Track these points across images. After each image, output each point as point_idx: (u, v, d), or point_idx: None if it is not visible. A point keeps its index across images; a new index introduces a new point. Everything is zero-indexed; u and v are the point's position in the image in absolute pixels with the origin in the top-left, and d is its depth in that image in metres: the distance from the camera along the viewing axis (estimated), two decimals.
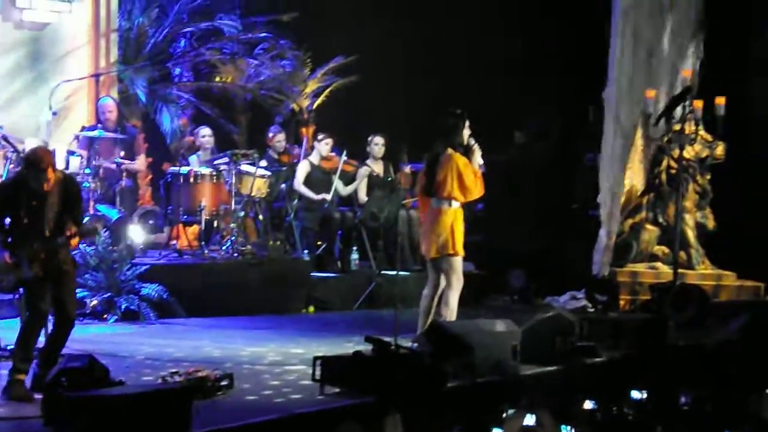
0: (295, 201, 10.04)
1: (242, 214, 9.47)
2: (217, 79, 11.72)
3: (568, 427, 6.17)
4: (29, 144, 8.16)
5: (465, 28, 11.77)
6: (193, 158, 9.94)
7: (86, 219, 8.56)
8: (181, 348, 7.12)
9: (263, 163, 10.13)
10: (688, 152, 9.40)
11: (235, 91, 11.79)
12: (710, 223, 9.92)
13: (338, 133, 10.48)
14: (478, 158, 7.24)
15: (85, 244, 8.35)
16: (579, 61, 10.69)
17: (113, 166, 9.16)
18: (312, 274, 9.58)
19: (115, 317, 8.12)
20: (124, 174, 9.23)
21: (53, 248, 5.58)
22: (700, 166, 9.80)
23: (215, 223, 9.54)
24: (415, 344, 6.51)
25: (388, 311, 8.56)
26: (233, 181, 9.38)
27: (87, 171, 8.87)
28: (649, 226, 9.81)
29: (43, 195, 5.58)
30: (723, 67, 9.96)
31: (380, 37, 11.72)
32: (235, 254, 9.18)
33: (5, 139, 8.47)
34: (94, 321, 8.06)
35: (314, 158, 10.17)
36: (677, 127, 9.04)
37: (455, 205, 7.12)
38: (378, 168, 10.24)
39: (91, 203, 8.74)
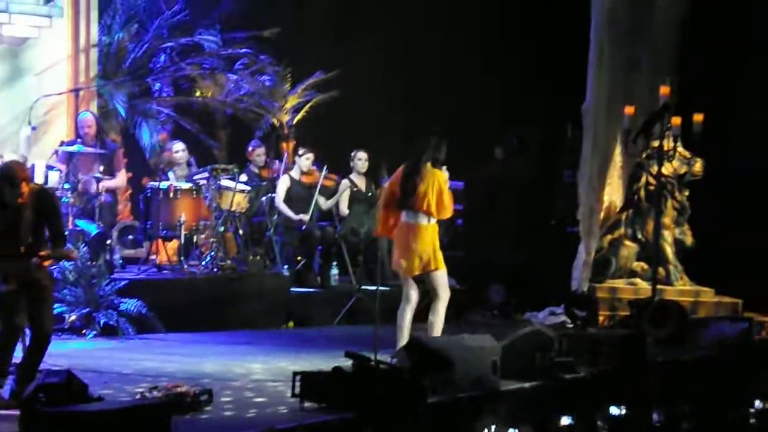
0: (275, 216, 10.03)
1: (222, 229, 9.46)
2: (197, 94, 11.72)
3: None
4: (6, 158, 8.12)
5: (444, 44, 11.85)
6: (170, 174, 9.93)
7: (65, 234, 8.55)
8: (160, 363, 7.08)
9: (243, 177, 10.11)
10: (667, 169, 9.46)
11: (215, 106, 11.80)
12: (688, 240, 9.98)
13: (318, 148, 10.49)
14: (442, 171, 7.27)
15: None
16: (559, 77, 10.77)
17: (93, 181, 9.13)
18: (292, 289, 9.57)
19: (94, 332, 8.08)
20: (104, 189, 9.19)
21: (28, 264, 5.54)
22: (678, 182, 9.86)
23: (195, 238, 9.52)
24: (395, 359, 6.51)
25: (367, 326, 8.55)
26: (213, 195, 9.38)
27: (66, 186, 8.83)
28: (627, 243, 9.86)
29: (16, 209, 5.55)
30: (701, 84, 10.05)
31: (360, 52, 11.77)
32: (215, 269, 9.16)
33: None
34: (73, 336, 8.01)
35: (295, 173, 10.17)
36: (656, 143, 9.10)
37: (433, 220, 7.14)
38: (361, 183, 10.25)
39: (70, 218, 8.70)
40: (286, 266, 9.87)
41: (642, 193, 9.85)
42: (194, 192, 9.40)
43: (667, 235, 9.80)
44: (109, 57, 10.86)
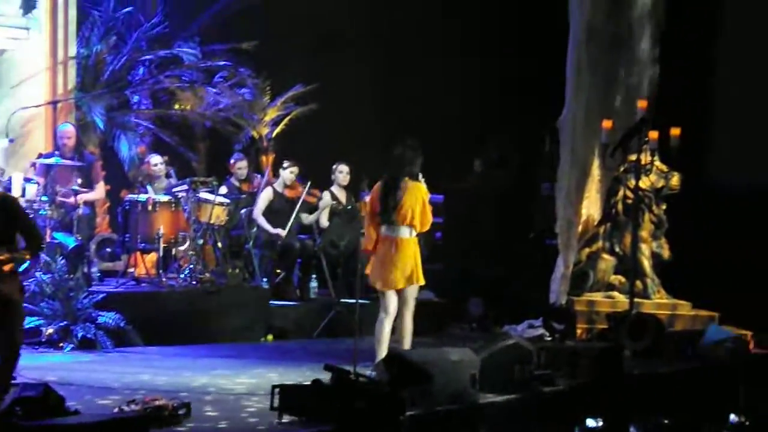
0: (254, 229, 10.02)
1: (201, 241, 9.43)
2: (176, 106, 11.69)
3: None
4: None
5: (424, 57, 11.90)
6: (149, 187, 9.90)
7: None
8: (139, 377, 7.05)
9: (223, 190, 10.11)
10: (644, 182, 9.53)
11: (194, 119, 11.77)
12: (665, 253, 10.04)
13: (298, 161, 10.48)
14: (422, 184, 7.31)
15: (41, 272, 8.28)
16: (538, 91, 10.84)
17: (71, 193, 9.09)
18: (271, 302, 9.55)
19: (72, 346, 8.03)
20: (82, 201, 9.16)
21: None
22: (655, 196, 9.93)
23: (173, 251, 9.49)
24: (374, 372, 6.51)
25: (347, 339, 8.56)
26: (192, 208, 9.36)
27: (44, 198, 8.79)
28: (605, 256, 9.91)
29: None
30: (679, 99, 10.14)
31: (339, 65, 11.81)
32: (194, 282, 9.14)
33: None
34: (50, 349, 7.96)
35: (278, 186, 10.16)
36: (633, 157, 9.16)
37: (414, 233, 7.17)
38: (341, 196, 10.26)
39: (48, 231, 8.66)
40: (265, 279, 9.85)
41: (619, 206, 9.92)
42: (173, 205, 9.38)
43: (645, 249, 9.86)
44: (88, 69, 10.82)
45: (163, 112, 11.56)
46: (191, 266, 9.20)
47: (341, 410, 5.52)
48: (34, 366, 6.93)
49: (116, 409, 5.69)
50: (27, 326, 7.68)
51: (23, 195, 8.68)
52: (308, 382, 5.86)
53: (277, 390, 5.78)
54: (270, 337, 9.31)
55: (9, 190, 8.73)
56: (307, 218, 10.12)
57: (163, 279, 9.14)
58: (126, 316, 8.24)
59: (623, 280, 9.76)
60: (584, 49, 9.96)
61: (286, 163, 10.25)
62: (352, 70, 11.85)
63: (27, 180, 8.90)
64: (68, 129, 9.39)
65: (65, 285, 8.20)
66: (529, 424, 6.60)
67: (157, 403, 5.63)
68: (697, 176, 10.23)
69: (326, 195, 10.17)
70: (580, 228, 9.95)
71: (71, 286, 8.22)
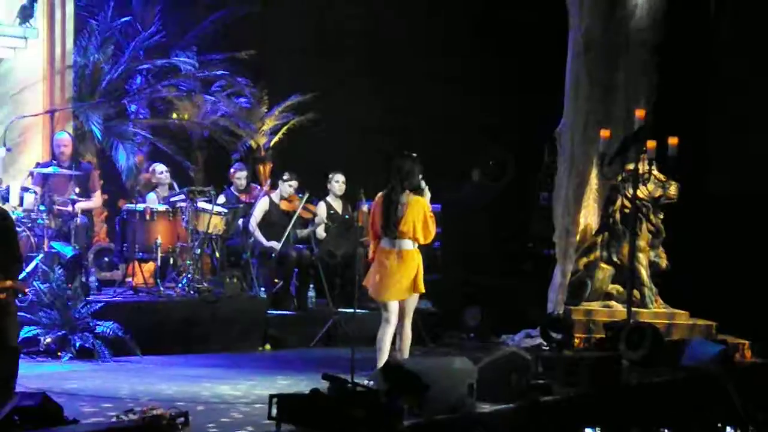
0: (252, 239, 10.01)
1: (198, 251, 9.43)
2: (174, 115, 11.71)
3: None
4: None
5: (422, 67, 11.92)
6: (151, 195, 9.90)
7: (40, 256, 8.52)
8: (136, 386, 7.04)
9: (221, 199, 10.11)
10: (642, 192, 9.53)
11: (192, 128, 11.79)
12: (663, 263, 10.03)
13: (295, 170, 10.49)
14: (428, 200, 7.33)
15: (39, 281, 8.28)
16: (536, 100, 10.86)
17: (68, 202, 9.09)
18: (268, 312, 9.55)
19: (70, 355, 8.01)
20: (79, 210, 9.15)
21: None
22: (653, 205, 9.92)
23: (171, 261, 9.49)
24: (372, 382, 6.51)
25: (345, 349, 8.55)
26: (189, 218, 9.36)
27: (41, 208, 8.79)
28: (603, 265, 9.90)
29: None
30: (677, 108, 10.16)
31: (337, 74, 11.82)
32: (192, 292, 9.13)
33: None
34: (48, 359, 7.95)
35: (275, 197, 10.15)
36: (631, 166, 9.17)
37: (416, 246, 7.21)
38: (337, 205, 10.26)
39: (46, 240, 8.66)
40: (262, 289, 9.85)
41: (617, 216, 9.91)
42: (171, 214, 9.38)
43: (642, 258, 9.85)
44: (85, 78, 10.84)
45: (160, 122, 11.58)
46: (189, 276, 9.19)
47: (339, 419, 5.51)
48: (32, 375, 6.92)
49: (114, 419, 5.68)
50: (25, 335, 7.72)
51: (21, 204, 8.68)
52: (306, 392, 5.85)
53: (275, 399, 5.77)
54: (268, 346, 9.31)
55: (6, 199, 8.74)
56: (301, 232, 10.13)
57: (161, 288, 9.14)
58: (124, 325, 8.23)
59: (621, 289, 9.75)
60: (583, 58, 9.98)
61: (285, 176, 10.24)
62: (349, 79, 11.87)
63: (24, 189, 8.91)
64: (64, 137, 9.40)
65: (63, 294, 8.20)
66: None
67: (155, 412, 5.62)
68: (695, 185, 10.24)
69: (321, 205, 10.16)
70: (578, 237, 9.96)
71: (69, 296, 8.22)
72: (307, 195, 10.00)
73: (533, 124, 10.88)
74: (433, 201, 7.46)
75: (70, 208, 9.01)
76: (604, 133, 9.12)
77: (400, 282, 7.18)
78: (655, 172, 9.55)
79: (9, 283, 5.52)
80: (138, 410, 5.68)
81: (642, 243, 9.80)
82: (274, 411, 5.72)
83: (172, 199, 9.62)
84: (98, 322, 8.19)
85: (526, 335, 9.82)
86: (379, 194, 7.35)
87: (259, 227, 9.96)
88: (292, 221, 9.84)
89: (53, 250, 8.69)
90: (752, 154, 10.68)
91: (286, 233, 9.80)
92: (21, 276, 6.47)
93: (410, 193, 7.20)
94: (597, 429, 6.72)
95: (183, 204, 9.44)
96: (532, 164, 11.30)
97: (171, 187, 10.03)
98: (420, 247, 7.36)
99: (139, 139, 11.25)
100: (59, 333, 8.06)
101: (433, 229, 7.26)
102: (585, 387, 7.25)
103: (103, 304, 8.42)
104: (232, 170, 10.59)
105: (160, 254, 9.16)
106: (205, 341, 8.82)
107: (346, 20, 12.04)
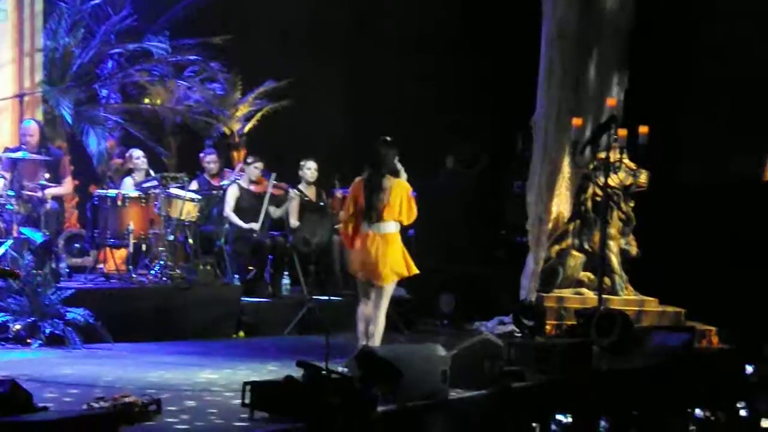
0: (226, 225, 9.98)
1: (171, 237, 9.39)
2: (146, 100, 11.61)
3: None
4: None
5: (396, 53, 11.91)
6: (127, 180, 9.83)
7: (10, 242, 8.44)
8: (108, 373, 7.00)
9: (194, 185, 10.06)
10: (613, 180, 9.61)
11: (165, 114, 11.70)
12: (633, 250, 10.13)
13: (269, 157, 10.47)
14: (404, 180, 7.39)
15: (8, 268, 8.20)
16: (510, 88, 10.89)
17: (38, 188, 9.00)
18: (243, 299, 9.53)
19: (40, 342, 7.94)
20: (49, 196, 9.07)
21: None
22: (624, 193, 10.01)
23: (143, 247, 9.44)
24: (346, 369, 6.53)
25: (319, 336, 8.55)
26: (162, 204, 9.31)
27: (10, 193, 8.70)
28: (575, 253, 9.98)
29: None
30: (648, 97, 10.24)
31: (311, 61, 11.78)
32: (164, 278, 9.09)
33: None
34: (17, 346, 7.86)
35: (243, 182, 10.13)
36: (602, 155, 9.24)
37: (398, 228, 7.31)
38: (310, 192, 10.24)
39: (15, 226, 8.58)
40: (237, 276, 9.82)
41: (589, 204, 9.99)
42: (143, 200, 9.32)
43: (613, 246, 9.94)
44: (55, 62, 10.72)
45: (132, 107, 11.47)
46: (162, 262, 9.15)
47: (313, 406, 5.52)
48: (1, 362, 6.86)
49: (85, 406, 5.64)
50: None
51: None
52: (280, 379, 5.85)
53: (248, 386, 5.77)
54: (242, 333, 9.29)
55: None
56: (275, 212, 10.10)
57: (133, 275, 9.08)
58: (95, 312, 8.16)
59: (592, 276, 9.83)
60: (556, 47, 10.03)
61: (250, 159, 10.24)
62: (323, 65, 11.83)
63: None
64: (31, 126, 9.28)
65: (33, 281, 8.12)
66: (499, 419, 6.63)
67: (126, 399, 5.59)
68: (665, 174, 10.33)
69: (293, 193, 10.14)
70: (550, 225, 10.02)
71: (39, 282, 8.14)
72: (274, 175, 9.98)
73: (508, 113, 10.92)
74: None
75: (39, 194, 8.93)
76: (576, 121, 9.19)
77: (387, 266, 7.25)
78: (626, 160, 9.64)
79: None
80: (109, 397, 5.65)
81: (613, 231, 9.89)
82: (248, 398, 5.72)
83: (144, 185, 9.55)
84: (69, 309, 8.12)
85: (499, 322, 9.89)
86: (357, 179, 7.38)
87: (234, 213, 9.94)
88: (266, 199, 9.83)
89: (23, 236, 8.61)
90: (721, 142, 10.79)
91: (263, 212, 9.79)
92: None
93: (390, 177, 7.26)
94: (568, 415, 6.77)
95: (156, 190, 9.39)
96: (506, 152, 11.35)
97: (147, 174, 9.98)
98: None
99: (110, 125, 11.15)
100: (29, 320, 7.98)
101: (414, 211, 7.38)
102: (556, 373, 7.32)
103: (73, 290, 8.35)
104: (202, 155, 10.55)
105: (132, 241, 9.10)
106: (178, 328, 8.78)
107: (321, 8, 11.99)
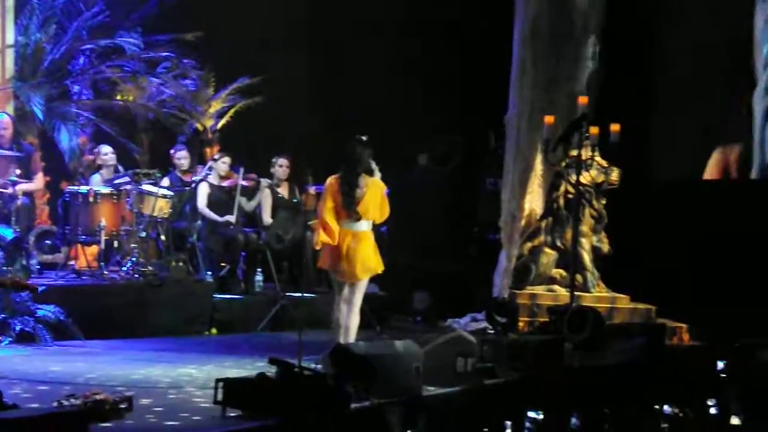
0: (198, 222, 9.95)
1: (144, 234, 9.35)
2: (118, 97, 11.55)
3: None
4: None
5: (369, 51, 11.91)
6: (95, 177, 9.79)
7: None
8: (79, 371, 6.97)
9: (166, 182, 10.03)
10: (585, 178, 9.65)
11: (137, 110, 11.64)
12: (605, 247, 10.18)
13: (242, 153, 10.45)
14: (378, 179, 7.42)
15: None
16: (483, 86, 10.93)
17: (8, 184, 8.93)
18: (215, 295, 9.51)
19: (10, 339, 7.90)
20: (20, 192, 9.00)
21: None
22: (596, 191, 10.06)
23: (115, 244, 9.39)
24: (319, 366, 6.53)
25: (292, 333, 8.56)
26: (134, 200, 9.27)
27: None
28: (547, 250, 10.02)
29: None
30: (619, 95, 10.31)
31: (284, 58, 11.76)
32: (136, 275, 9.06)
33: None
34: None
35: (213, 179, 10.11)
36: (574, 153, 9.29)
37: (371, 226, 7.38)
38: (283, 190, 10.24)
39: None
40: (209, 272, 9.80)
41: (561, 201, 10.03)
42: (115, 197, 9.28)
43: (585, 243, 9.99)
44: (26, 58, 10.64)
45: (104, 103, 11.41)
46: (134, 259, 9.11)
47: (286, 404, 5.52)
48: None
49: (55, 404, 5.61)
50: None
51: None
52: (253, 376, 5.85)
53: (221, 384, 5.76)
54: (214, 330, 9.27)
55: None
56: (248, 204, 10.10)
57: (105, 272, 9.04)
58: (66, 309, 8.13)
59: (564, 273, 9.88)
60: (528, 46, 10.07)
61: (217, 155, 10.35)
62: (296, 62, 11.81)
63: None
64: (4, 120, 9.23)
65: (3, 277, 8.06)
66: (471, 416, 6.66)
67: (97, 397, 5.56)
68: (636, 171, 10.40)
69: (265, 181, 10.13)
70: (522, 222, 10.07)
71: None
72: (242, 168, 9.98)
73: (481, 111, 10.96)
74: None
75: (10, 190, 8.86)
76: (548, 119, 9.23)
77: (358, 264, 7.28)
78: (597, 158, 9.69)
79: None
80: (80, 395, 5.62)
81: (585, 228, 9.94)
82: (220, 395, 5.71)
83: (116, 182, 9.51)
84: (39, 306, 8.07)
85: (472, 319, 9.92)
86: (331, 178, 7.40)
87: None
88: (238, 192, 9.83)
89: None
90: (692, 140, 10.89)
91: (236, 204, 9.79)
92: None
93: (366, 176, 7.31)
94: (540, 412, 6.81)
95: (128, 186, 9.35)
96: (479, 150, 11.39)
97: (116, 170, 9.92)
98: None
99: (82, 121, 11.09)
100: None
101: (387, 209, 7.43)
102: (529, 370, 7.35)
103: (44, 287, 8.30)
104: (172, 152, 10.52)
105: (103, 237, 9.06)
106: (149, 325, 8.76)
107: (295, 5, 11.97)
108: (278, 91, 11.68)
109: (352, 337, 7.32)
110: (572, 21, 10.14)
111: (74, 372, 6.91)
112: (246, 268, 10.05)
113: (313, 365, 6.44)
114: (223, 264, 10.01)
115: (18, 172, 8.99)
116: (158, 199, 9.33)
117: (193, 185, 10.08)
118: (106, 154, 9.93)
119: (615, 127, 9.04)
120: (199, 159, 11.39)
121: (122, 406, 5.62)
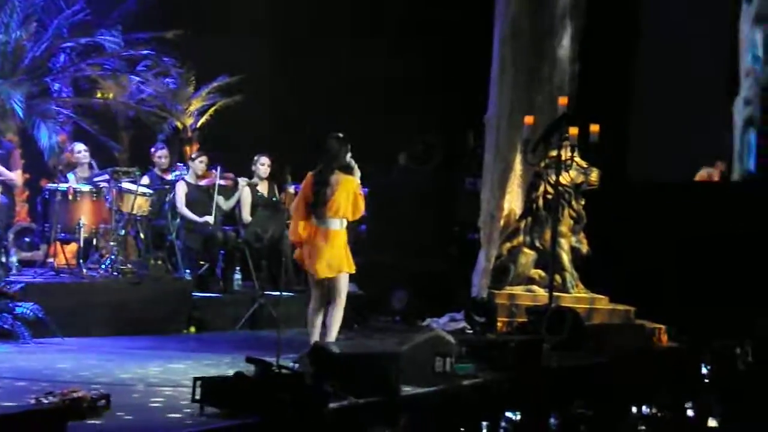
0: (177, 220, 9.94)
1: (123, 232, 9.33)
2: (99, 95, 11.52)
3: None
4: None
5: (350, 50, 11.93)
6: (70, 176, 9.75)
7: None
8: (57, 368, 6.95)
9: (145, 180, 10.00)
10: (564, 178, 9.70)
11: (117, 108, 11.62)
12: (584, 248, 10.23)
13: (222, 152, 10.44)
14: (357, 178, 7.41)
15: None
16: (462, 86, 10.96)
17: None
18: (194, 294, 9.49)
19: None
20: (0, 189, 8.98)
21: None
22: (575, 191, 10.11)
23: (94, 241, 9.37)
24: (297, 365, 6.54)
25: (270, 332, 8.55)
26: (114, 198, 9.25)
27: None
28: (526, 250, 10.06)
29: None
30: (599, 95, 10.36)
31: (264, 56, 11.76)
32: (115, 273, 9.03)
33: None
34: None
35: (190, 178, 10.10)
36: (554, 153, 9.33)
37: (344, 224, 7.30)
38: (263, 188, 10.24)
39: None
40: (188, 271, 9.79)
41: (540, 201, 10.08)
42: (94, 194, 9.25)
43: (564, 243, 10.03)
44: (7, 56, 10.61)
45: (84, 101, 11.38)
46: (113, 257, 9.08)
47: (264, 402, 5.52)
48: None
49: (33, 401, 5.60)
50: None
51: None
52: (231, 374, 5.85)
53: (199, 382, 5.75)
54: (192, 328, 9.25)
55: None
56: (225, 203, 10.10)
57: (84, 270, 9.01)
58: (45, 306, 8.09)
59: (543, 274, 9.92)
60: (508, 46, 10.11)
61: (194, 154, 10.36)
62: (276, 60, 11.82)
63: None
64: None
65: None
66: (449, 416, 6.68)
67: (75, 395, 5.55)
68: (615, 172, 10.46)
69: (245, 188, 10.12)
70: (502, 222, 10.10)
71: None
72: (219, 167, 9.97)
73: (460, 110, 10.99)
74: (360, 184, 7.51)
75: None
76: (528, 119, 9.26)
77: (323, 262, 7.24)
78: (577, 158, 9.73)
79: None
80: (58, 392, 5.61)
81: (564, 228, 9.98)
82: (198, 394, 5.71)
83: (95, 180, 9.48)
84: (18, 303, 8.03)
85: (451, 319, 9.95)
86: (309, 174, 7.40)
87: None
88: (215, 190, 9.83)
89: None
90: (671, 141, 10.96)
91: (214, 204, 9.78)
92: None
93: (339, 173, 7.27)
94: (518, 413, 6.83)
95: (107, 184, 9.33)
96: (459, 149, 11.41)
97: (90, 167, 9.90)
98: (346, 228, 7.43)
99: (62, 118, 11.06)
100: None
101: (362, 206, 7.37)
102: (507, 370, 7.38)
103: (23, 284, 8.26)
104: (152, 150, 10.50)
105: (83, 235, 9.03)
106: (129, 323, 8.73)
107: (275, 4, 11.98)
108: (258, 89, 11.68)
109: (332, 336, 7.31)
110: (552, 21, 10.19)
111: (52, 369, 6.88)
112: (225, 267, 10.04)
113: (291, 364, 6.45)
114: (201, 262, 10.00)
115: None
116: (138, 197, 9.31)
117: (172, 182, 10.07)
118: (80, 152, 9.89)
119: (595, 128, 9.09)
120: (179, 157, 11.38)
121: (100, 403, 5.61)
